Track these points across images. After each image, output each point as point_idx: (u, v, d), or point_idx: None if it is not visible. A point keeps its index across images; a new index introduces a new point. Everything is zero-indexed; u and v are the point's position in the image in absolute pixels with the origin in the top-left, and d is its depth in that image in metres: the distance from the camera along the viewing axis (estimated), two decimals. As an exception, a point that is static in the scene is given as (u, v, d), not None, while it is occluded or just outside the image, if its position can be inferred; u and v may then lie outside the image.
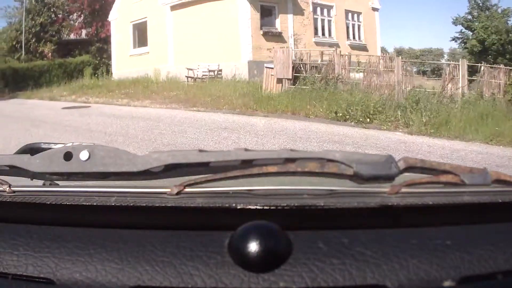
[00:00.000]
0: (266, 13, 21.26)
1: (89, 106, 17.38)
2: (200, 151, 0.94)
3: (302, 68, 15.27)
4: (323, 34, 24.36)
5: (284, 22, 21.87)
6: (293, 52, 15.35)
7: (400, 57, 14.44)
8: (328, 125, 11.20)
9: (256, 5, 20.54)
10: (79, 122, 12.82)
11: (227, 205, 0.86)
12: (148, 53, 25.23)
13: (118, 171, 0.95)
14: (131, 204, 0.89)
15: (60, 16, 35.73)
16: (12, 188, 1.00)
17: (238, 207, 0.86)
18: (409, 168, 0.91)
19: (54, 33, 35.07)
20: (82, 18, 34.12)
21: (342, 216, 0.88)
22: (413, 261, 0.79)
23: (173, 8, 23.38)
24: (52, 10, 35.11)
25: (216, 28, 20.81)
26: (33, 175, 1.07)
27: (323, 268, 0.78)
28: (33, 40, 34.18)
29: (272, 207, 0.86)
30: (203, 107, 14.71)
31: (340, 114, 11.73)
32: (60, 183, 1.22)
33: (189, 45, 21.85)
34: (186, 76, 20.68)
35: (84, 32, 34.63)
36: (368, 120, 11.44)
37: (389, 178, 0.90)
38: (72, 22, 35.50)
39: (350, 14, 25.85)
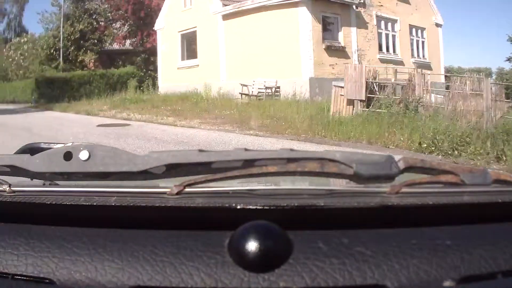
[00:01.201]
0: (328, 25, 21.18)
1: (129, 125, 16.49)
2: (200, 151, 1.01)
3: (376, 88, 14.16)
4: (388, 50, 23.91)
5: (348, 36, 21.79)
6: (365, 69, 14.25)
7: (489, 78, 13.30)
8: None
9: (318, 16, 20.06)
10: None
11: (227, 205, 0.91)
12: (198, 66, 25.24)
13: (118, 171, 1.02)
14: (131, 204, 0.94)
15: (102, 23, 35.45)
16: (12, 188, 1.07)
17: (238, 207, 0.91)
18: (409, 168, 0.97)
19: (95, 41, 34.63)
20: (126, 27, 33.33)
21: (342, 216, 0.93)
22: (413, 261, 0.84)
23: (226, 17, 23.24)
24: (93, 17, 34.90)
25: (273, 40, 20.51)
26: (33, 175, 1.12)
27: (323, 268, 0.83)
28: (72, 48, 34.10)
29: (272, 207, 0.91)
30: (262, 131, 13.62)
31: (425, 145, 10.67)
32: (60, 183, 1.25)
33: (243, 58, 21.97)
34: (240, 93, 20.44)
35: (128, 42, 33.87)
36: (456, 152, 10.31)
37: (389, 178, 0.96)
38: (115, 30, 34.86)
39: (414, 30, 25.56)
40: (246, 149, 1.01)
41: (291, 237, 0.86)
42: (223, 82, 22.61)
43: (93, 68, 33.91)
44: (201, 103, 19.88)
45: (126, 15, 33.73)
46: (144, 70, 32.95)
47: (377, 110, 13.51)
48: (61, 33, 34.38)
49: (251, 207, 0.91)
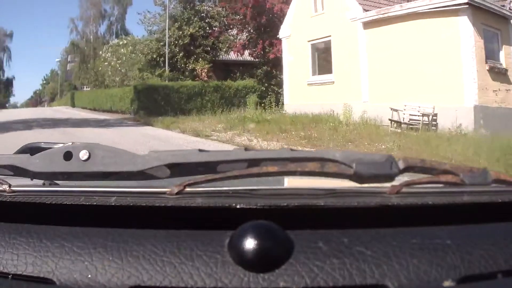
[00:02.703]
0: (489, 42, 18.95)
1: (252, 156, 14.06)
2: (200, 150, 1.12)
3: None
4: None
5: (508, 56, 19.68)
6: None
7: None
8: None
9: (479, 29, 18.26)
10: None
11: (227, 205, 0.99)
12: (333, 82, 23.59)
13: (118, 171, 1.12)
14: (131, 204, 1.02)
15: (216, 29, 34.13)
16: (12, 188, 1.15)
17: (238, 207, 0.98)
18: (409, 168, 1.06)
19: (208, 49, 33.36)
20: (244, 34, 32.08)
21: (342, 215, 1.01)
22: (413, 261, 0.91)
23: (367, 25, 21.62)
24: (206, 20, 33.55)
25: (428, 55, 18.50)
26: (33, 175, 1.22)
27: (323, 267, 0.89)
28: (181, 54, 33.03)
29: (272, 207, 0.99)
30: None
31: None
32: (60, 183, 1.36)
33: (390, 76, 19.96)
34: (389, 120, 18.63)
35: (247, 51, 32.51)
36: None
37: (389, 178, 1.05)
38: (231, 37, 33.62)
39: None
40: (246, 149, 1.14)
41: (291, 237, 0.92)
42: (366, 104, 21.05)
43: (206, 78, 32.80)
44: (340, 129, 18.03)
45: (244, 20, 32.08)
46: (266, 84, 31.78)
47: None
48: (166, 36, 33.61)
49: (251, 207, 0.98)
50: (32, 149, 1.33)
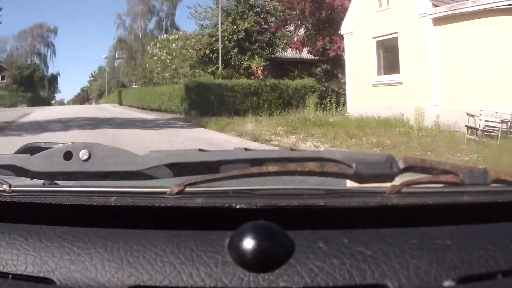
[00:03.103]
0: None
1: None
2: (200, 150, 1.16)
3: None
4: None
5: None
6: None
7: None
8: None
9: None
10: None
11: (227, 205, 1.01)
12: (401, 83, 22.44)
13: (118, 171, 1.15)
14: (131, 204, 1.05)
15: (272, 24, 33.21)
16: (12, 188, 1.18)
17: (238, 207, 1.00)
18: (409, 168, 1.08)
19: (264, 45, 32.49)
20: (302, 30, 31.20)
21: (342, 216, 1.03)
22: (413, 261, 0.93)
23: (438, 21, 20.24)
24: (261, 15, 32.65)
25: (504, 55, 17.06)
26: (33, 175, 1.26)
27: (323, 267, 0.91)
28: (235, 50, 32.11)
29: (272, 207, 1.02)
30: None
31: None
32: (60, 183, 1.40)
33: (465, 78, 18.44)
34: (466, 126, 16.87)
35: (305, 49, 31.61)
36: None
37: (389, 178, 1.07)
38: (289, 33, 32.72)
39: None
40: (246, 149, 1.17)
41: (291, 237, 0.95)
42: (437, 107, 19.65)
43: (261, 77, 32.48)
44: (413, 135, 16.73)
45: (303, 16, 31.38)
46: (326, 84, 30.67)
47: None
48: (219, 31, 33.05)
49: (251, 207, 1.00)
50: (32, 149, 1.37)
